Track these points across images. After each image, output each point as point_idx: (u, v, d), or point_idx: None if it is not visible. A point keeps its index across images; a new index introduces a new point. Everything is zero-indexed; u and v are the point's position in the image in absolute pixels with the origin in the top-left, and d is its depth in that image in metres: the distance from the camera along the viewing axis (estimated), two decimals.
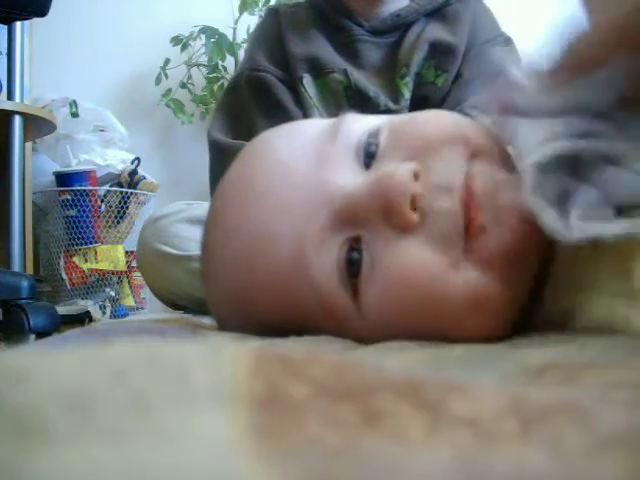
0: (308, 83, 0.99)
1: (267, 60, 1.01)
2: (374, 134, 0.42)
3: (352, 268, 0.39)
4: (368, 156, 0.41)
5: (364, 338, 0.39)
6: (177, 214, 1.01)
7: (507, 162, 0.41)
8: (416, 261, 0.37)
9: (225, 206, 0.44)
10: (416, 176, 0.38)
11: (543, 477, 0.14)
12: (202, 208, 0.97)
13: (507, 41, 1.03)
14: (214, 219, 0.46)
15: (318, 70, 0.99)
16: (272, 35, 1.04)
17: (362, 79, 0.97)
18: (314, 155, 0.41)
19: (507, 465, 0.14)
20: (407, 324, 0.38)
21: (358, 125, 0.43)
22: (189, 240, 0.95)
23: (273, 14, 1.07)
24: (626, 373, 0.22)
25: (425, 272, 0.37)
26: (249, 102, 1.01)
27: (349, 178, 0.40)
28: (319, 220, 0.39)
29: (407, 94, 0.97)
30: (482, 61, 0.99)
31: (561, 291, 0.39)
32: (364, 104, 0.94)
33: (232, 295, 0.44)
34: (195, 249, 0.86)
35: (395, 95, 0.98)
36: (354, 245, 0.39)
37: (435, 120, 0.43)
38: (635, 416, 0.16)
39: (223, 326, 0.48)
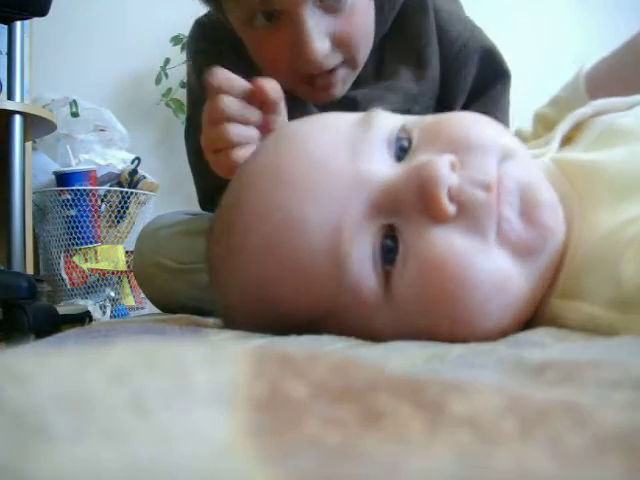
0: None
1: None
2: (406, 130, 0.42)
3: (387, 255, 0.39)
4: (401, 150, 0.41)
5: (388, 329, 0.39)
6: (176, 226, 0.98)
7: (531, 162, 0.43)
8: (450, 249, 0.37)
9: (251, 193, 0.43)
10: (453, 167, 0.39)
11: (543, 477, 0.14)
12: (201, 222, 0.94)
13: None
14: (235, 206, 0.44)
15: None
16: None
17: None
18: (346, 145, 0.41)
19: (507, 465, 0.14)
20: (437, 311, 0.38)
21: (389, 120, 0.43)
22: (190, 253, 0.93)
23: (217, 54, 0.93)
24: (626, 373, 0.22)
25: (458, 259, 0.37)
26: None
27: (384, 168, 0.40)
28: (355, 208, 0.39)
29: None
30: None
31: (556, 294, 0.40)
32: None
33: (252, 283, 0.42)
34: (196, 261, 0.83)
35: None
36: (388, 233, 0.39)
37: (468, 121, 0.43)
38: (635, 416, 0.16)
39: (231, 319, 0.47)
